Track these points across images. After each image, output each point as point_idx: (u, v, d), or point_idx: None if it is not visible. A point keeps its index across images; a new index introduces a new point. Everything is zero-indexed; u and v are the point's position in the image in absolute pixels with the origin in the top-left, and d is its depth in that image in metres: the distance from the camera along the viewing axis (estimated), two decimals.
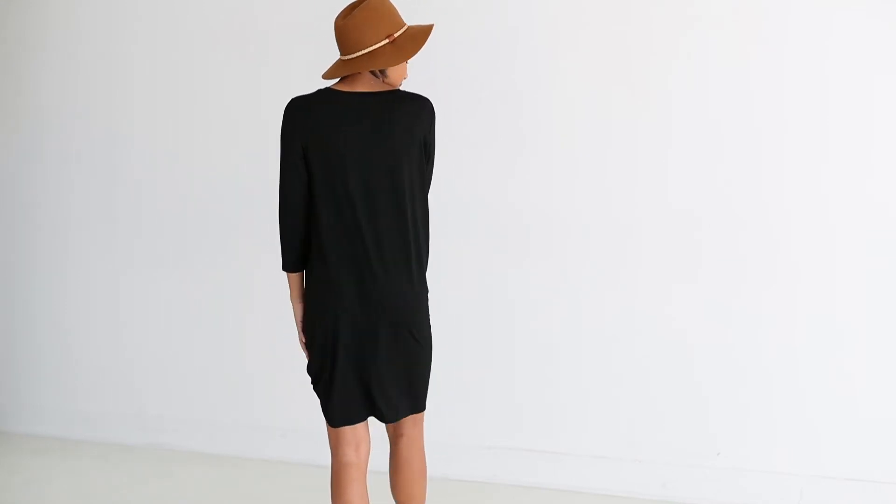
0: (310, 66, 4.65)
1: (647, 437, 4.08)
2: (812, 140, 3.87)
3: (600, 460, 4.12)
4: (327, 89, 2.78)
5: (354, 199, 2.69)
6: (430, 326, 2.87)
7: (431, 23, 2.83)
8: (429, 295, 2.87)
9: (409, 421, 2.91)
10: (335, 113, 2.71)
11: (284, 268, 2.84)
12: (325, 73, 2.78)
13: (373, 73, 2.72)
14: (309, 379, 2.95)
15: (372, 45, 2.67)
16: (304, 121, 2.72)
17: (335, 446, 2.85)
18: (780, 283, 3.90)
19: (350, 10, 2.73)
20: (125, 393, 5.02)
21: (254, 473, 4.47)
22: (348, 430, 2.83)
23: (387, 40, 2.67)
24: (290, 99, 2.79)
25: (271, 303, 4.74)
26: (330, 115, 2.71)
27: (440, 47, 4.33)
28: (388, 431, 2.98)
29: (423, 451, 2.97)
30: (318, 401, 4.61)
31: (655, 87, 4.07)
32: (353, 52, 2.69)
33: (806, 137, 3.88)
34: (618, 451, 4.11)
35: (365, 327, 2.74)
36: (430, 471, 4.14)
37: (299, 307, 2.87)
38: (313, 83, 4.64)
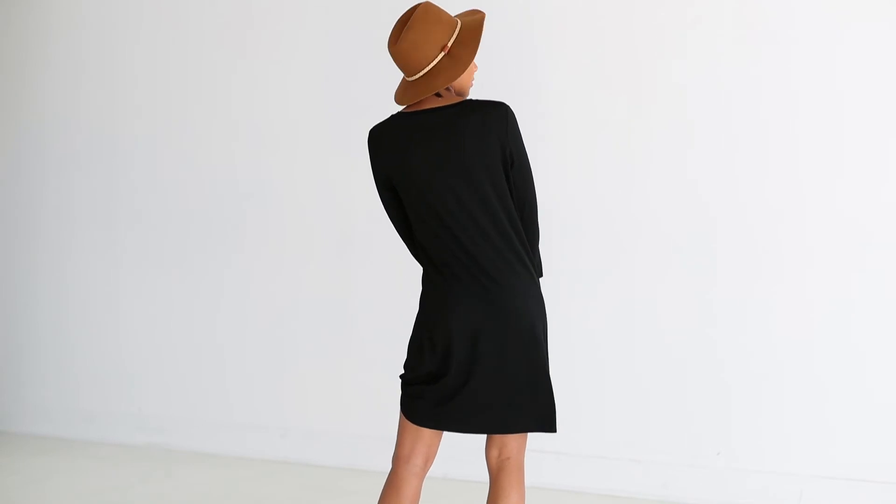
0: (310, 70, 4.68)
1: (648, 437, 4.08)
2: (823, 137, 3.88)
3: (600, 460, 4.12)
4: (400, 114, 2.68)
5: (441, 216, 2.61)
6: (544, 335, 2.72)
7: (480, 11, 2.66)
8: (545, 308, 2.72)
9: (513, 441, 2.74)
10: (406, 136, 2.63)
11: None
12: (396, 98, 2.66)
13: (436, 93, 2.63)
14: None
15: (429, 63, 2.57)
16: (380, 150, 2.66)
17: (408, 454, 2.73)
18: (783, 284, 3.90)
19: (399, 30, 2.61)
20: (125, 393, 5.02)
21: (254, 473, 4.47)
22: (426, 437, 2.74)
23: (442, 53, 2.57)
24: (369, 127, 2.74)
25: (271, 303, 4.75)
26: (402, 140, 2.63)
27: None
28: (489, 456, 2.78)
29: (523, 485, 2.76)
30: (316, 401, 4.64)
31: (668, 86, 4.08)
32: (415, 74, 2.60)
33: (816, 134, 3.88)
34: (618, 451, 4.11)
35: (474, 335, 2.63)
36: (432, 471, 4.15)
37: None
38: (312, 85, 4.67)
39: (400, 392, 2.77)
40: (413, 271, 3.09)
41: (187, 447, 4.84)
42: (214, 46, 4.86)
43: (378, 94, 4.40)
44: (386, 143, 2.65)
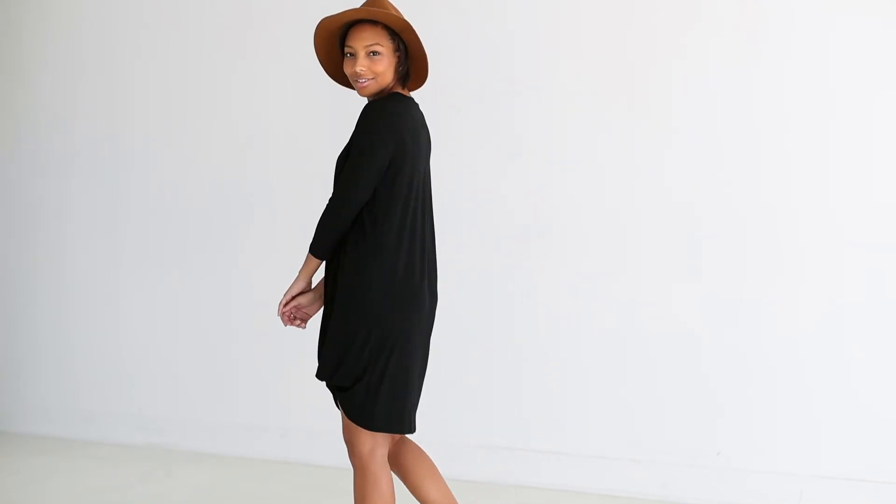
0: (310, 70, 4.67)
1: (648, 437, 4.08)
2: (814, 140, 3.88)
3: (600, 460, 4.12)
4: (404, 96, 2.73)
5: (417, 203, 2.69)
6: None
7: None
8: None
9: None
10: (416, 118, 2.73)
11: (322, 256, 2.71)
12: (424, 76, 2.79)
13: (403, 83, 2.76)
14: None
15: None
16: (403, 125, 2.66)
17: (381, 454, 2.71)
18: (783, 282, 3.91)
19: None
20: (125, 393, 5.02)
21: (254, 473, 4.47)
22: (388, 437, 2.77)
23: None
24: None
25: (272, 303, 4.74)
26: (416, 120, 2.72)
27: (439, 48, 4.33)
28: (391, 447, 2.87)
29: None
30: (316, 401, 4.64)
31: (655, 87, 4.08)
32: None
33: (807, 136, 3.89)
34: (618, 451, 4.11)
35: (427, 328, 2.76)
36: None
37: (304, 284, 2.80)
38: (312, 85, 4.67)
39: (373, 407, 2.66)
40: None
41: (187, 447, 4.84)
42: (214, 46, 4.86)
43: None
44: (407, 119, 2.67)
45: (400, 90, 2.73)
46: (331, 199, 2.66)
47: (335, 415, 4.65)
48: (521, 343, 4.27)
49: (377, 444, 2.68)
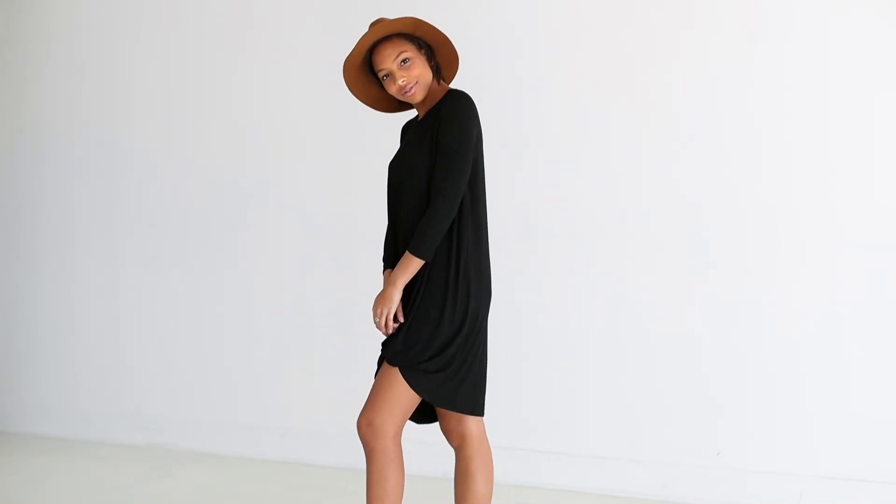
0: (310, 69, 4.68)
1: (648, 437, 4.08)
2: (814, 139, 3.88)
3: (601, 460, 4.13)
4: None
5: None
6: None
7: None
8: None
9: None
10: None
11: (428, 258, 2.70)
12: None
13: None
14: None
15: None
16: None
17: (400, 438, 2.78)
18: (783, 283, 3.91)
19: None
20: (125, 393, 5.02)
21: (254, 473, 4.48)
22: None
23: None
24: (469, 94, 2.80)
25: (272, 303, 4.75)
26: None
27: None
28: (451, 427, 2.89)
29: None
30: (316, 401, 4.65)
31: (659, 87, 4.08)
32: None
33: (807, 135, 3.89)
34: (618, 451, 4.11)
35: None
36: (434, 471, 4.16)
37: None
38: (312, 85, 4.68)
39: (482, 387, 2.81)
40: None
41: (187, 447, 4.84)
42: (214, 46, 4.87)
43: None
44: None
45: (441, 84, 2.86)
46: (443, 196, 2.67)
47: (335, 415, 4.68)
48: (521, 343, 4.27)
49: (400, 429, 2.74)
